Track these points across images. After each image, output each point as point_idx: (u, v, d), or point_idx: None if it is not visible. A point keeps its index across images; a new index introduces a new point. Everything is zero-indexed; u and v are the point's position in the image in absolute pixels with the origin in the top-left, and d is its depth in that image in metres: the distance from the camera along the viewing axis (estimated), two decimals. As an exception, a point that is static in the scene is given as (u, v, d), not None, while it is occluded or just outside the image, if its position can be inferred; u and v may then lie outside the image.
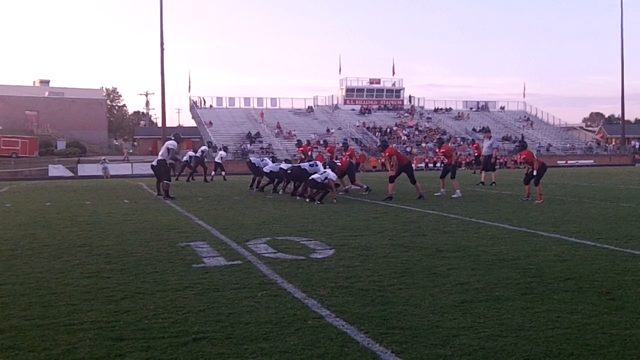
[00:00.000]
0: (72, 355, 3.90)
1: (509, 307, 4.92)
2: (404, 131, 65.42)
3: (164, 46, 48.11)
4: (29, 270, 6.70)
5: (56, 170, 44.95)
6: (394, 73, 74.45)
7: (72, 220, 11.79)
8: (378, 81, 73.99)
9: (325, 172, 15.35)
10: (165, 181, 17.26)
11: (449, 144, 23.32)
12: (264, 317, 4.68)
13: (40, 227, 10.62)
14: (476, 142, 20.79)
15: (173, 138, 18.04)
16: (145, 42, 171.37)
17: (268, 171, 19.01)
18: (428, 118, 71.48)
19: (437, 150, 22.19)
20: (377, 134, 62.98)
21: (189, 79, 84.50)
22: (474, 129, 69.13)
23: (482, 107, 77.14)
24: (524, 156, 15.85)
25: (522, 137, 59.95)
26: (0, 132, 59.29)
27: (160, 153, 17.63)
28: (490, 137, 23.98)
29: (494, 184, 21.54)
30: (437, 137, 35.63)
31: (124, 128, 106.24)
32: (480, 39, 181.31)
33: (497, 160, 21.33)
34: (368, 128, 65.18)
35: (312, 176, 15.31)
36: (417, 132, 66.46)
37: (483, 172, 22.63)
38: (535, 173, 14.96)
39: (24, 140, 56.79)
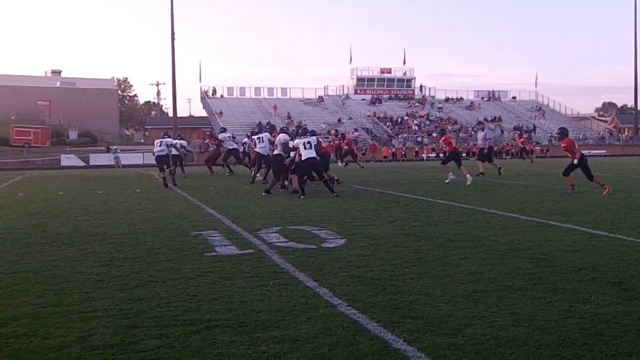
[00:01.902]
0: (86, 343, 3.93)
1: (521, 296, 4.90)
2: (414, 121, 65.21)
3: (175, 36, 48.15)
4: (42, 258, 6.75)
5: (68, 159, 45.20)
6: (404, 63, 74.16)
7: (84, 209, 11.86)
8: (389, 71, 73.69)
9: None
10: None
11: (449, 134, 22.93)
12: (275, 306, 4.70)
13: (53, 216, 10.69)
14: (445, 135, 20.23)
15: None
16: (157, 32, 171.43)
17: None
18: (439, 108, 71.19)
19: (440, 141, 22.10)
20: (387, 123, 62.83)
21: (200, 69, 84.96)
22: (485, 119, 68.84)
23: (494, 97, 76.72)
24: (564, 144, 15.17)
25: (563, 128, 59.51)
26: (12, 122, 59.61)
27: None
28: (483, 129, 23.78)
29: (481, 175, 20.81)
30: (439, 129, 35.43)
31: (135, 118, 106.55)
32: (491, 28, 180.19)
33: (495, 151, 20.81)
34: (379, 118, 65.00)
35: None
36: (428, 122, 66.21)
37: (480, 163, 22.10)
38: (575, 162, 14.41)
39: (36, 130, 57.09)
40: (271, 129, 20.64)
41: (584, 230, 8.30)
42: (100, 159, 45.55)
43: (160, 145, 18.23)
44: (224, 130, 25.83)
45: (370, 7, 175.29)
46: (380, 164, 41.56)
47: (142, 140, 72.92)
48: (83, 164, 44.19)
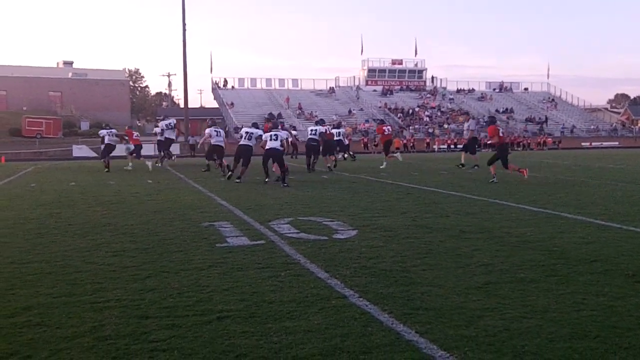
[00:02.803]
0: (99, 333, 3.95)
1: (534, 288, 4.88)
2: (426, 112, 64.99)
3: (186, 27, 48.12)
4: (55, 248, 6.78)
5: (80, 150, 45.38)
6: (416, 54, 73.83)
7: (96, 199, 11.92)
8: (400, 62, 73.42)
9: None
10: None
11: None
12: (287, 297, 4.70)
13: (65, 207, 10.74)
14: (379, 125, 20.13)
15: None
16: (168, 24, 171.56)
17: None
18: (450, 99, 70.88)
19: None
20: (398, 115, 62.65)
21: (211, 60, 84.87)
22: (497, 110, 68.50)
23: (505, 88, 76.27)
24: (489, 132, 15.65)
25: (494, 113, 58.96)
26: (24, 113, 59.92)
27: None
28: (468, 120, 23.61)
29: (461, 166, 20.68)
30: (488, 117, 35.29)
31: (147, 109, 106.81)
32: (503, 19, 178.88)
33: (478, 142, 20.69)
34: (390, 109, 64.82)
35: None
36: (439, 114, 65.97)
37: (462, 153, 21.90)
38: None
39: (48, 121, 57.35)
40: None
41: (597, 222, 8.25)
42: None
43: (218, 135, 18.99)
44: (164, 118, 26.41)
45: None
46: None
47: (153, 131, 73.13)
48: (95, 154, 44.34)
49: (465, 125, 22.93)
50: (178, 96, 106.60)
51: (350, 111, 62.81)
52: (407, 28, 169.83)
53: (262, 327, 4.02)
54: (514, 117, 67.02)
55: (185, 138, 47.36)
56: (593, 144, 57.87)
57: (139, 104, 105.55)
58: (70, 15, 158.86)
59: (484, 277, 5.24)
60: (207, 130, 19.64)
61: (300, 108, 61.61)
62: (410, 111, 63.37)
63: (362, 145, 50.90)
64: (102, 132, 22.41)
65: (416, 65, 74.05)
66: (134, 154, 24.38)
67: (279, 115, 58.82)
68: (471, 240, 7.00)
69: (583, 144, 58.20)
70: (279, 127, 19.38)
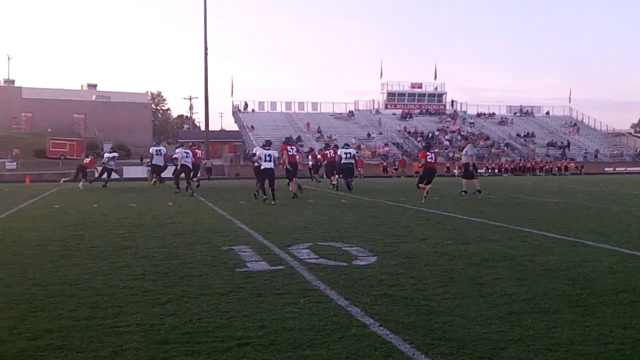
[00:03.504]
0: (119, 358, 3.94)
1: (558, 319, 4.79)
2: (446, 136, 64.85)
3: (208, 51, 48.68)
4: (77, 271, 6.82)
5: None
6: (435, 77, 73.90)
7: (118, 222, 12.00)
8: (420, 85, 73.56)
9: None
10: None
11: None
12: (307, 324, 4.66)
13: (88, 229, 10.82)
14: (423, 151, 20.68)
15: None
16: (190, 48, 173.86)
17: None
18: (471, 123, 70.75)
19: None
20: (418, 138, 62.57)
21: (232, 83, 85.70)
22: (518, 134, 68.13)
23: (526, 112, 75.95)
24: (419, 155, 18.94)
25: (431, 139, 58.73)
26: (49, 135, 60.75)
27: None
28: (467, 145, 23.56)
29: (463, 193, 20.50)
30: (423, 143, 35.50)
31: (168, 131, 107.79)
32: (524, 43, 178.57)
33: (473, 167, 21.05)
34: (409, 133, 64.81)
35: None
36: (459, 137, 65.75)
37: (464, 180, 21.84)
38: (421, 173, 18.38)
39: (72, 143, 58.08)
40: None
41: (623, 251, 8.12)
42: (133, 171, 46.04)
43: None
44: (156, 144, 28.28)
45: (401, 22, 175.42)
46: (411, 179, 41.33)
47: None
48: (117, 176, 44.74)
49: (464, 151, 22.84)
50: (199, 119, 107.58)
51: (369, 135, 62.88)
52: (427, 52, 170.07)
53: (282, 355, 3.99)
54: (535, 141, 66.63)
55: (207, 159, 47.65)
56: (617, 169, 57.14)
57: (161, 126, 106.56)
58: (94, 39, 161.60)
59: (507, 307, 5.17)
60: (178, 151, 21.05)
61: (319, 131, 61.80)
62: (430, 135, 63.24)
63: (382, 169, 50.83)
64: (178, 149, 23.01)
65: (436, 88, 74.12)
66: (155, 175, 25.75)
67: (298, 138, 59.07)
68: (493, 268, 6.92)
69: (607, 169, 57.55)
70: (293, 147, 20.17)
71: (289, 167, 18.52)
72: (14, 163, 48.96)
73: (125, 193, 22.27)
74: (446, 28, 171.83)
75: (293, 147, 19.76)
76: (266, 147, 17.36)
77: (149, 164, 27.35)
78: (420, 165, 19.76)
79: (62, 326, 4.64)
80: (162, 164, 26.46)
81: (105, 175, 27.28)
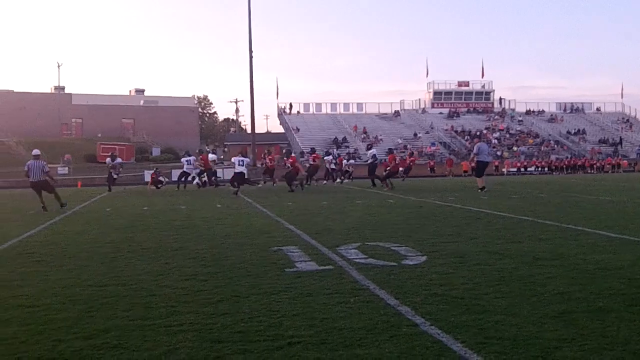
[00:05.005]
0: (173, 356, 4.01)
1: (614, 319, 4.68)
2: (494, 134, 63.96)
3: (253, 54, 49.10)
4: (129, 272, 6.97)
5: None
6: (483, 75, 73.01)
7: (168, 224, 12.21)
8: (467, 83, 72.79)
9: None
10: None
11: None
12: (357, 323, 4.66)
13: (139, 231, 11.05)
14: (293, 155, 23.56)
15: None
16: (235, 51, 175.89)
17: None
18: (519, 121, 69.61)
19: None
20: (465, 137, 61.86)
21: (277, 85, 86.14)
22: (568, 132, 66.74)
23: (577, 109, 74.31)
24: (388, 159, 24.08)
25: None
26: (99, 140, 62.27)
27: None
28: (477, 143, 23.74)
29: (482, 189, 20.83)
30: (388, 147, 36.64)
31: (215, 134, 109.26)
32: (573, 37, 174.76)
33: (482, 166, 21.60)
34: (456, 132, 64.13)
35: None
36: (508, 136, 64.79)
37: (477, 179, 22.03)
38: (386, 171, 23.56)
39: (121, 147, 59.37)
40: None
41: (680, 249, 7.87)
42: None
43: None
44: (184, 155, 30.45)
45: (446, 20, 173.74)
46: (459, 178, 40.92)
47: (222, 157, 74.61)
48: (166, 179, 45.53)
49: (474, 148, 23.00)
50: (245, 122, 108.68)
51: (415, 134, 62.45)
52: (473, 49, 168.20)
53: (333, 353, 4.00)
54: (586, 138, 65.15)
55: (253, 163, 48.09)
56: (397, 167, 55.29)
57: (208, 129, 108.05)
58: (141, 45, 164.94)
59: (560, 306, 5.07)
60: (234, 159, 23.19)
61: (365, 132, 61.70)
62: (478, 133, 62.47)
63: (429, 168, 50.45)
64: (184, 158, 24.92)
65: (483, 86, 73.22)
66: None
67: (344, 139, 59.10)
68: (545, 267, 6.79)
69: (661, 166, 55.87)
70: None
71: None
72: (66, 168, 50.32)
73: (173, 196, 22.65)
74: (493, 25, 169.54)
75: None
76: (242, 155, 22.76)
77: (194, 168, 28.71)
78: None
79: (117, 325, 4.75)
80: (190, 172, 28.44)
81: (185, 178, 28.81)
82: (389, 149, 29.85)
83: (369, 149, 29.45)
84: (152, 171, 32.01)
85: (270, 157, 30.51)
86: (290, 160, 24.47)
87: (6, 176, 45.13)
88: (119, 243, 9.47)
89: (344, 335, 4.37)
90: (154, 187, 28.40)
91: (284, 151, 25.60)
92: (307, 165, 25.97)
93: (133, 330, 4.62)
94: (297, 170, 24.14)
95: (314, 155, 27.90)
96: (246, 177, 22.23)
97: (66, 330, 4.62)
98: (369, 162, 27.66)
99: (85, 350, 4.17)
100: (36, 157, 16.92)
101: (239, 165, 21.61)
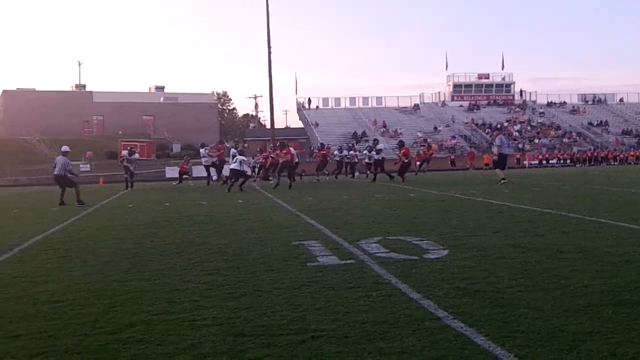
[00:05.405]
0: (198, 350, 4.05)
1: (640, 312, 4.63)
2: (515, 127, 63.44)
3: (271, 49, 49.12)
4: (152, 267, 7.03)
5: (172, 171, 46.93)
6: (503, 67, 72.45)
7: (190, 219, 12.29)
8: (487, 76, 72.26)
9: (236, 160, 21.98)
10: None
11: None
12: (380, 317, 4.66)
13: (161, 226, 11.13)
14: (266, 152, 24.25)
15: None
16: (253, 47, 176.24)
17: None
18: (541, 113, 68.97)
19: (397, 152, 25.02)
20: (486, 130, 61.43)
21: (296, 81, 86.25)
22: (590, 123, 66.01)
23: (599, 100, 73.39)
24: (404, 151, 23.78)
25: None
26: (120, 137, 62.72)
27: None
28: (498, 135, 24.01)
29: (502, 181, 21.32)
30: (398, 140, 35.71)
31: (235, 130, 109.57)
32: (594, 28, 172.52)
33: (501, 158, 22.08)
34: (477, 124, 63.70)
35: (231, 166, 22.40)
36: (529, 128, 64.23)
37: (497, 171, 22.61)
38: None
39: (142, 144, 59.62)
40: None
41: None
42: (201, 170, 46.98)
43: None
44: (201, 146, 30.70)
45: (466, 12, 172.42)
46: (480, 171, 40.67)
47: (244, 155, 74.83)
48: (186, 176, 45.78)
49: (495, 141, 23.23)
50: (264, 117, 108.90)
51: (435, 128, 62.16)
52: (493, 41, 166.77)
53: (356, 347, 4.01)
54: (609, 130, 64.36)
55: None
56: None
57: (227, 125, 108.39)
58: (160, 42, 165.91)
59: (585, 299, 5.02)
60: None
61: (384, 126, 61.54)
62: (499, 126, 61.99)
63: (449, 162, 50.20)
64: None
65: (503, 79, 72.64)
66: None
67: (363, 133, 58.99)
68: (569, 260, 6.73)
69: (687, 157, 55.04)
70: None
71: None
72: (88, 165, 50.84)
73: (194, 192, 22.79)
74: (512, 16, 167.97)
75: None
76: (240, 151, 23.93)
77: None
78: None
79: (141, 320, 4.79)
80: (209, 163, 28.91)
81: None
82: (400, 141, 29.42)
83: (375, 144, 29.33)
84: (182, 160, 32.78)
85: (264, 154, 30.40)
86: (284, 152, 23.76)
87: (29, 173, 45.76)
88: (141, 239, 9.55)
89: (367, 329, 4.37)
90: (185, 177, 29.93)
91: (277, 144, 24.85)
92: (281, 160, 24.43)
93: (157, 324, 4.66)
94: (289, 163, 23.63)
95: (285, 150, 24.41)
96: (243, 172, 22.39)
97: (91, 325, 4.68)
98: (376, 157, 27.73)
99: (111, 344, 4.22)
100: (64, 153, 17.85)
101: (234, 162, 22.43)
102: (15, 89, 73.56)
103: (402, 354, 3.85)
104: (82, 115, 71.05)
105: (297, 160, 26.16)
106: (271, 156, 28.58)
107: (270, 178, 27.28)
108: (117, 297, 5.60)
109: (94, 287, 6.07)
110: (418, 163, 34.57)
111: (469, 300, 5.10)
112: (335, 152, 33.70)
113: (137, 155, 28.76)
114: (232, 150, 29.35)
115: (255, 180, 29.38)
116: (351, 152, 33.84)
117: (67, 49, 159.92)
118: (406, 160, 24.16)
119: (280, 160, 24.19)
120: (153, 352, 4.03)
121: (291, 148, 24.46)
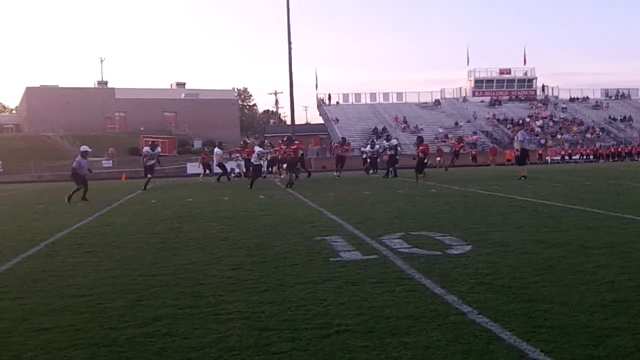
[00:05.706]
0: (223, 343, 4.08)
1: (668, 307, 4.58)
2: (537, 122, 62.85)
3: (292, 45, 49.18)
4: (177, 262, 7.10)
5: (194, 167, 47.19)
6: (525, 62, 71.71)
7: (213, 214, 12.37)
8: (508, 71, 71.60)
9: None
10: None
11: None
12: (404, 312, 4.67)
13: (185, 222, 11.22)
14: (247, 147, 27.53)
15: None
16: (274, 43, 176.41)
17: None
18: (563, 108, 68.22)
19: (415, 149, 24.85)
20: (508, 126, 60.93)
21: (316, 76, 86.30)
22: (613, 118, 65.20)
23: (622, 95, 72.41)
24: (422, 148, 22.77)
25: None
26: (142, 133, 63.18)
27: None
28: (519, 131, 24.13)
29: (523, 178, 21.37)
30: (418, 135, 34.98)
31: (255, 126, 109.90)
32: (618, 21, 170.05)
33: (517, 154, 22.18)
34: (498, 120, 63.21)
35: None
36: (551, 124, 63.61)
37: (519, 167, 22.90)
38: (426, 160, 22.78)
39: (164, 140, 60.00)
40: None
41: None
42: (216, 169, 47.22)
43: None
44: (218, 145, 32.21)
45: (487, 6, 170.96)
46: (502, 167, 40.35)
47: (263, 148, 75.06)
48: (207, 171, 46.02)
49: (516, 137, 23.25)
50: (285, 113, 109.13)
51: (456, 123, 61.80)
52: (515, 36, 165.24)
53: (381, 342, 4.02)
54: (633, 125, 63.52)
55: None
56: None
57: (248, 122, 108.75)
58: (182, 39, 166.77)
59: (610, 295, 4.99)
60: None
61: (405, 122, 61.31)
62: (520, 122, 61.40)
63: (471, 157, 49.89)
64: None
65: (525, 74, 71.92)
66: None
67: (384, 129, 58.82)
68: (594, 256, 6.68)
69: None
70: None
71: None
72: (110, 161, 51.30)
73: (216, 188, 22.92)
74: (534, 10, 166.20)
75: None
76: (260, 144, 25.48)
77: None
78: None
79: (167, 314, 4.85)
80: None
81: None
82: (419, 137, 27.98)
83: (388, 140, 29.30)
84: (204, 152, 33.67)
85: (276, 148, 30.11)
86: (293, 147, 23.02)
87: (53, 170, 46.28)
88: (165, 233, 9.64)
89: (391, 324, 4.38)
90: (207, 173, 31.06)
91: (284, 139, 24.28)
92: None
93: (183, 318, 4.71)
94: (294, 158, 23.00)
95: (295, 145, 23.22)
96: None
97: (118, 319, 4.74)
98: (389, 153, 27.62)
99: (138, 337, 4.27)
100: (83, 153, 18.00)
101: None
102: (38, 85, 74.45)
103: (427, 349, 3.85)
104: (105, 112, 71.70)
105: (301, 153, 26.84)
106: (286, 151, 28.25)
107: (281, 175, 27.46)
108: (142, 291, 5.66)
109: (119, 281, 6.15)
110: (438, 159, 34.54)
111: (493, 295, 5.09)
112: (367, 148, 33.70)
113: (159, 149, 28.78)
114: (257, 149, 29.27)
115: (277, 177, 29.47)
116: (376, 146, 33.71)
117: (89, 45, 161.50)
118: (424, 157, 23.37)
119: (279, 157, 24.79)
120: (179, 346, 4.08)
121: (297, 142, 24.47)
